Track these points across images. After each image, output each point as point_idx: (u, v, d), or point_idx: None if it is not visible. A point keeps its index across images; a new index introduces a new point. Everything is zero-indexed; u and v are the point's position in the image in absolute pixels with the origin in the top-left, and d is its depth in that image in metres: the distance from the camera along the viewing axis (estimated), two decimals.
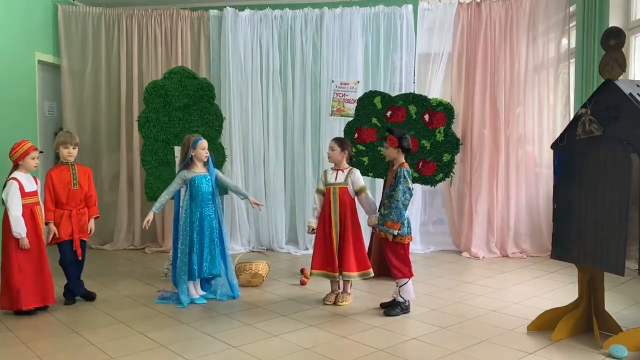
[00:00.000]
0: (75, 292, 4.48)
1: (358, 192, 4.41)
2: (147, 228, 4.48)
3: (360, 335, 3.74)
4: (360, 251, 4.42)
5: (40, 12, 6.54)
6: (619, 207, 3.30)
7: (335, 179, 4.42)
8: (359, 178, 4.42)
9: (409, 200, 4.13)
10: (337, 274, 4.38)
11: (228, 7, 6.71)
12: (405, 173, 4.08)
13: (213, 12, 6.80)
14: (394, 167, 4.20)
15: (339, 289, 4.52)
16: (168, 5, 6.92)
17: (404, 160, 4.19)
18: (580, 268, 3.70)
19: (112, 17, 6.88)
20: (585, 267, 3.63)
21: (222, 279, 4.62)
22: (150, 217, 4.39)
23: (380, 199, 5.56)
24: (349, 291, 4.49)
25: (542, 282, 5.15)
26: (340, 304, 4.38)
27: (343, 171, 4.43)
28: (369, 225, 4.42)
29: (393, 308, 4.16)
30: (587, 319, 3.66)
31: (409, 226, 4.16)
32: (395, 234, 4.07)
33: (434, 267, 5.84)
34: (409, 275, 4.17)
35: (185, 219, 4.45)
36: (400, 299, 4.17)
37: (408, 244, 4.20)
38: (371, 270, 4.44)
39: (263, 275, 5.04)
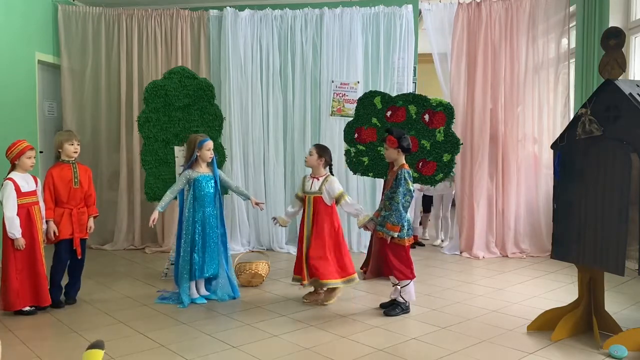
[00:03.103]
0: (52, 296, 4.28)
1: (337, 200, 4.40)
2: (153, 226, 4.51)
3: (360, 335, 3.74)
4: (341, 258, 4.38)
5: (40, 12, 6.54)
6: (619, 207, 3.30)
7: (311, 187, 4.43)
8: (334, 186, 4.39)
9: (410, 202, 4.12)
10: (305, 281, 4.36)
11: (228, 7, 6.71)
12: (406, 175, 4.07)
13: (213, 12, 6.80)
14: (395, 169, 4.19)
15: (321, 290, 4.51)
16: (168, 5, 6.92)
17: (404, 161, 4.19)
18: (580, 268, 3.70)
19: (112, 17, 6.88)
20: (585, 267, 3.63)
21: (223, 279, 4.63)
22: (155, 215, 4.41)
23: (380, 199, 5.58)
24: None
25: (542, 282, 5.15)
26: (305, 300, 4.41)
27: (318, 179, 4.43)
28: (359, 227, 4.41)
29: (393, 308, 4.16)
30: (587, 319, 3.66)
31: (409, 228, 4.16)
32: (395, 236, 4.07)
33: (434, 267, 5.84)
34: (411, 277, 4.16)
35: (188, 218, 4.46)
36: (401, 300, 4.17)
37: (409, 245, 4.20)
38: (356, 276, 4.42)
39: (263, 275, 5.04)
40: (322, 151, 4.45)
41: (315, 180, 4.44)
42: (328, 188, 4.38)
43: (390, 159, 4.25)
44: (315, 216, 4.38)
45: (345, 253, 4.42)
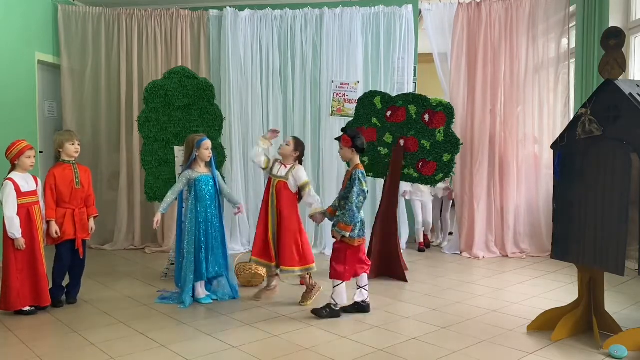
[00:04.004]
0: (54, 296, 4.34)
1: (302, 188, 4.42)
2: (156, 228, 4.52)
3: (360, 335, 3.74)
4: (301, 247, 4.39)
5: (40, 12, 6.54)
6: (619, 207, 3.30)
7: (278, 172, 4.46)
8: (300, 174, 4.42)
9: (363, 203, 4.09)
10: (272, 264, 4.41)
11: (228, 7, 6.71)
12: (360, 175, 4.06)
13: (213, 12, 6.81)
14: (349, 169, 4.19)
15: (274, 284, 4.54)
16: (168, 5, 6.92)
17: (359, 162, 4.18)
18: (580, 268, 3.70)
19: (112, 17, 6.89)
20: (585, 267, 3.63)
21: (223, 280, 4.63)
22: (158, 217, 4.41)
23: (379, 200, 5.58)
24: (311, 285, 4.48)
25: (542, 282, 5.15)
26: (303, 304, 4.39)
27: (286, 166, 4.46)
28: (309, 217, 4.42)
29: (321, 308, 4.10)
30: (587, 319, 3.67)
31: (361, 229, 4.12)
32: (347, 235, 4.04)
33: (434, 267, 5.84)
34: (344, 278, 4.10)
35: (191, 219, 4.46)
36: (332, 301, 4.12)
37: (359, 246, 4.14)
38: (314, 265, 4.42)
39: (263, 275, 5.04)
40: (299, 145, 4.49)
41: (283, 166, 4.47)
42: (295, 175, 4.41)
43: (346, 159, 4.25)
44: (279, 201, 4.40)
45: (305, 242, 4.43)
